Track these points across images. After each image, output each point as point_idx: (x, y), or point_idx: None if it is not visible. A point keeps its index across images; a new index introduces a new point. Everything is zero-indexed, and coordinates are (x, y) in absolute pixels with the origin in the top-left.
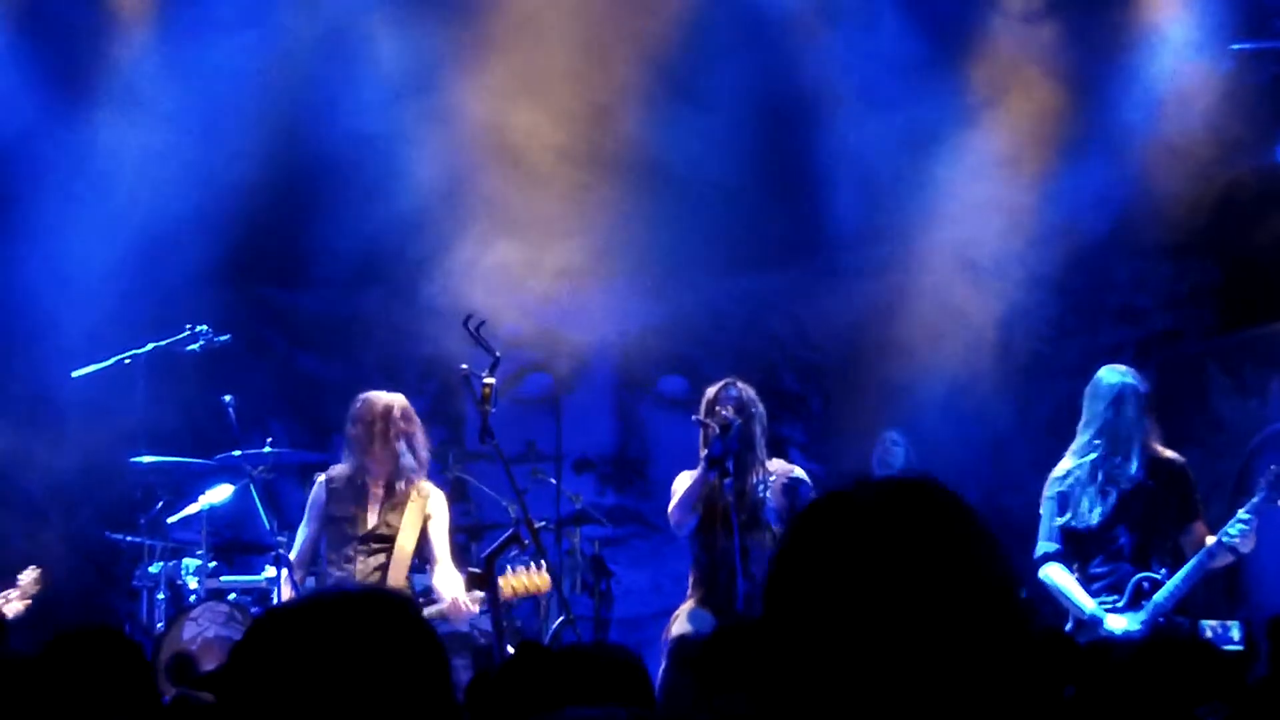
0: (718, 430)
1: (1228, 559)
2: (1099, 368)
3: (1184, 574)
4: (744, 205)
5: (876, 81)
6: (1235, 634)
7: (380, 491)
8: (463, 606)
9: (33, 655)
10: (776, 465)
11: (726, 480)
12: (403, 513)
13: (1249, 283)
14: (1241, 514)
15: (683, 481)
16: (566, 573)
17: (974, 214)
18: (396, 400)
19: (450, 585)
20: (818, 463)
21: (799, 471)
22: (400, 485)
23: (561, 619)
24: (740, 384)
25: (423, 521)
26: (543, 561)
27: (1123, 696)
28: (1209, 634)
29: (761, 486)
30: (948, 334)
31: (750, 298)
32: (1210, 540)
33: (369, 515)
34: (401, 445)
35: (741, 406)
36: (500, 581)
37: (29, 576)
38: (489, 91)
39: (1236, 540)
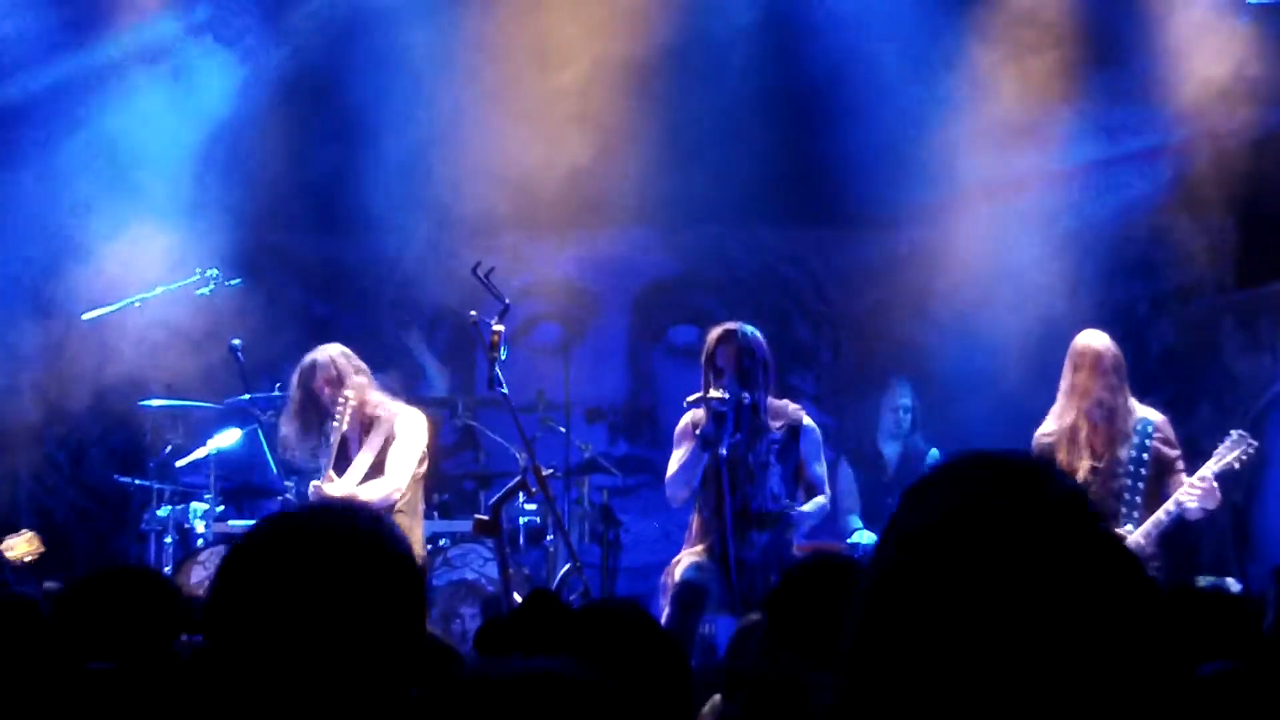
0: (712, 416)
1: (1184, 518)
2: (1114, 322)
3: (1142, 531)
4: (760, 156)
5: (897, 36)
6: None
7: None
8: (326, 493)
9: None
10: (780, 411)
11: (721, 454)
12: (368, 433)
13: (1266, 239)
14: (1195, 478)
15: (680, 447)
16: (575, 522)
17: (990, 169)
18: (320, 355)
19: (350, 484)
20: (828, 414)
21: (806, 420)
22: (363, 414)
23: (568, 566)
24: (743, 333)
25: (384, 441)
26: None
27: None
28: None
29: (764, 450)
30: (961, 287)
31: (765, 248)
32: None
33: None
34: (334, 393)
35: (742, 370)
36: None
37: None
38: (504, 44)
39: (1185, 502)
